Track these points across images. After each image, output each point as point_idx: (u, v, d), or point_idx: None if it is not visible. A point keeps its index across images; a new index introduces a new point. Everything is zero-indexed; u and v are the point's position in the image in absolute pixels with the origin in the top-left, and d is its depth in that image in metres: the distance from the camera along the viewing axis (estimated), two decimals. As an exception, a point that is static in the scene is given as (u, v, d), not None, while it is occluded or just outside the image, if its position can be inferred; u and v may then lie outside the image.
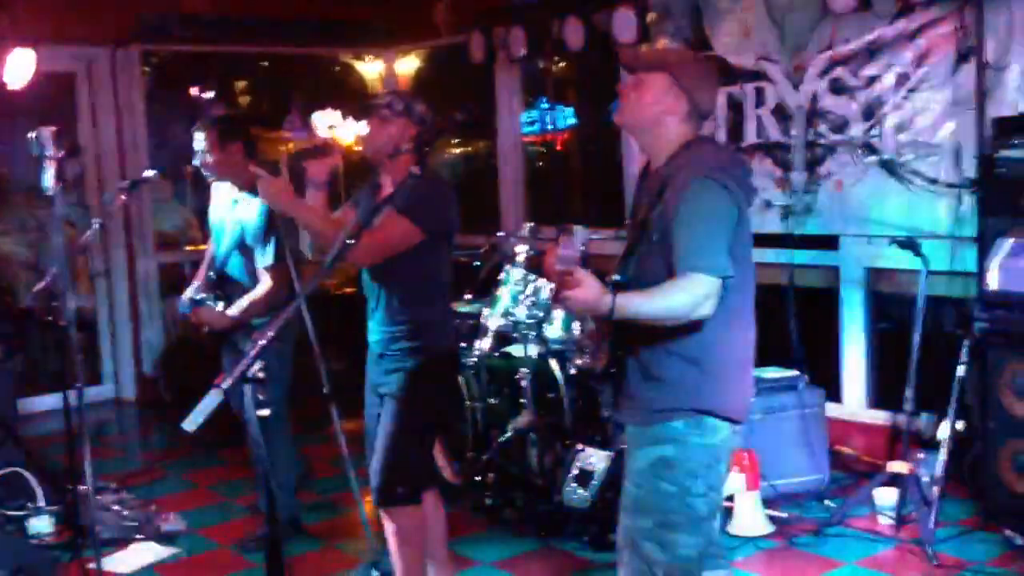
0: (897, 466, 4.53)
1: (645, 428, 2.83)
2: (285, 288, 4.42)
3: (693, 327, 2.67)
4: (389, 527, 3.72)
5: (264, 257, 4.47)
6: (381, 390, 3.69)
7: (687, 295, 2.60)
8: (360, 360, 3.83)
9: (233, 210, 4.60)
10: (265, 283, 4.50)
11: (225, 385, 2.27)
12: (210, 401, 2.23)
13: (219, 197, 4.74)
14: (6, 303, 6.33)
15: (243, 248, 4.54)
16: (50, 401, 6.28)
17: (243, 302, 4.52)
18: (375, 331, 3.68)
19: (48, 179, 4.33)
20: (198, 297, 4.57)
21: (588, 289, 2.52)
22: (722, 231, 2.66)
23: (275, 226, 4.36)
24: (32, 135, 4.28)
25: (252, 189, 4.29)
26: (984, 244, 4.54)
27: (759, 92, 5.76)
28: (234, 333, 4.64)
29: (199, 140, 4.58)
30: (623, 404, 2.90)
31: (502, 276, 5.05)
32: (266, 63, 8.88)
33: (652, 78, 2.79)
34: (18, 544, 4.66)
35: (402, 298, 3.58)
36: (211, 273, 4.69)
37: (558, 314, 5.03)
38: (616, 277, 2.73)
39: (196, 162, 4.65)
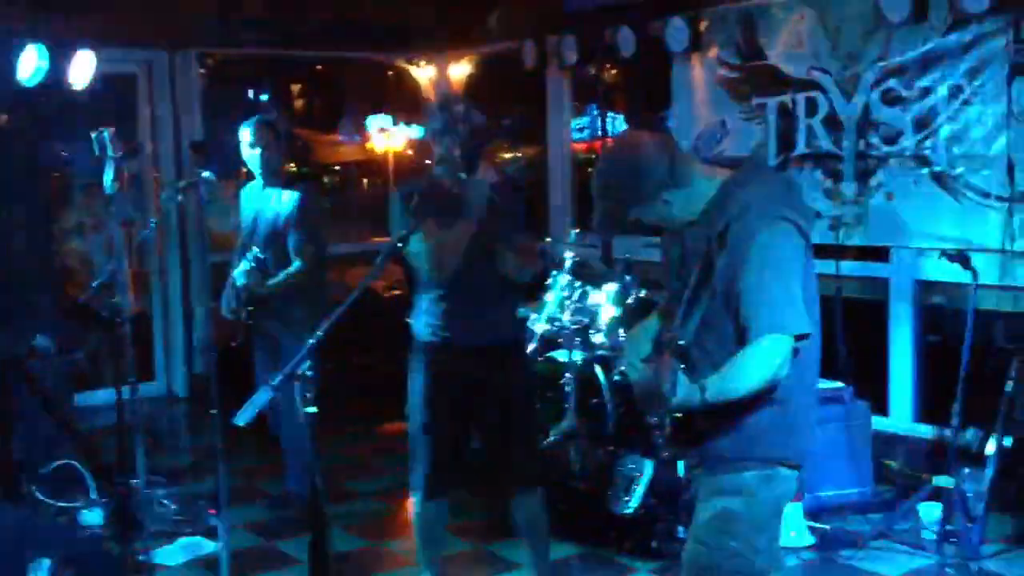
0: (943, 481, 4.49)
1: (712, 478, 2.68)
2: (316, 270, 4.89)
3: None
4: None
5: (298, 241, 4.85)
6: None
7: (768, 365, 2.45)
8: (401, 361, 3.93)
9: (271, 203, 4.95)
10: (298, 262, 4.87)
11: (275, 383, 2.32)
12: (260, 397, 2.29)
13: (251, 194, 5.09)
14: (65, 300, 6.47)
15: (282, 236, 4.87)
16: (104, 396, 6.41)
17: (280, 276, 4.86)
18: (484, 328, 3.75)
19: (109, 179, 4.45)
20: (254, 263, 4.73)
21: (683, 390, 2.40)
22: (796, 278, 2.50)
23: (309, 216, 4.85)
24: (94, 135, 4.39)
25: (287, 184, 4.90)
26: (1035, 259, 4.50)
27: (811, 102, 5.74)
28: (270, 328, 4.92)
29: (246, 136, 4.91)
30: (689, 449, 2.75)
31: (549, 281, 5.10)
32: (320, 67, 9.00)
33: (638, 213, 2.64)
34: (69, 534, 4.76)
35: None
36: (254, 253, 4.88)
37: (604, 320, 5.06)
38: (680, 342, 2.49)
39: (245, 157, 4.97)
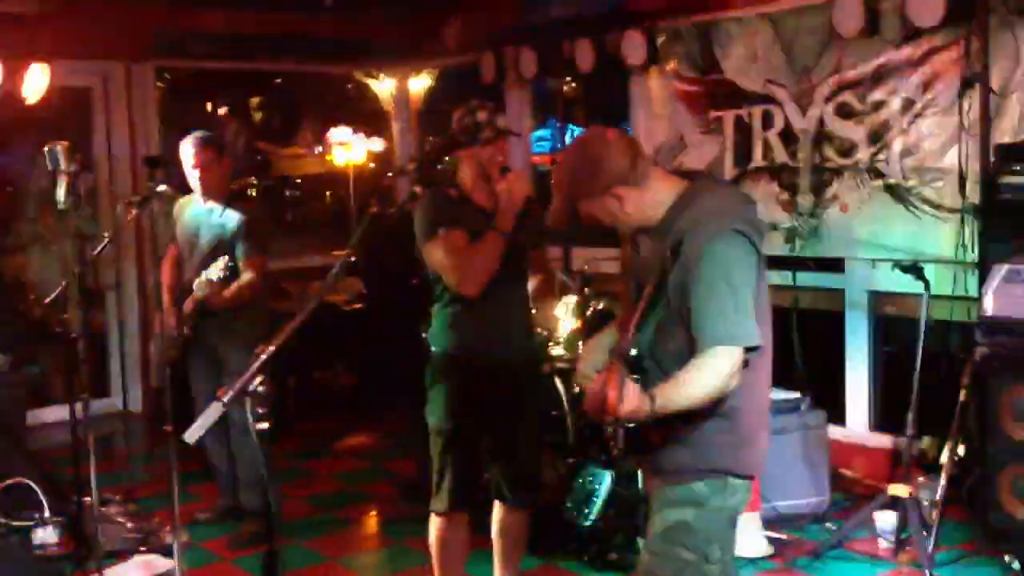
0: (898, 489, 4.53)
1: (664, 488, 2.70)
2: (262, 280, 4.89)
3: None
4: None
5: (249, 253, 4.85)
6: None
7: (716, 376, 2.46)
8: (369, 375, 3.92)
9: (210, 218, 4.95)
10: (248, 273, 4.84)
11: (227, 399, 2.30)
12: (211, 414, 2.27)
13: (188, 210, 5.07)
14: (18, 315, 6.38)
15: (224, 250, 4.82)
16: (58, 412, 6.33)
17: (233, 287, 4.80)
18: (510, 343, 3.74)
19: (61, 193, 4.40)
20: (219, 275, 4.69)
21: (632, 400, 2.42)
22: (746, 291, 2.51)
23: (258, 228, 4.89)
24: (47, 150, 4.34)
25: (228, 203, 4.91)
26: (985, 269, 4.56)
27: (767, 115, 5.80)
28: (210, 341, 4.91)
29: (189, 155, 4.89)
30: (642, 460, 2.80)
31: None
32: (279, 80, 8.96)
33: (590, 206, 2.65)
34: (21, 554, 4.69)
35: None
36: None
37: (563, 332, 5.06)
38: (632, 352, 2.52)
39: (192, 175, 4.94)
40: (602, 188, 2.60)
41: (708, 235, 2.51)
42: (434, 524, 3.85)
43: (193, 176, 4.92)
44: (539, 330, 4.59)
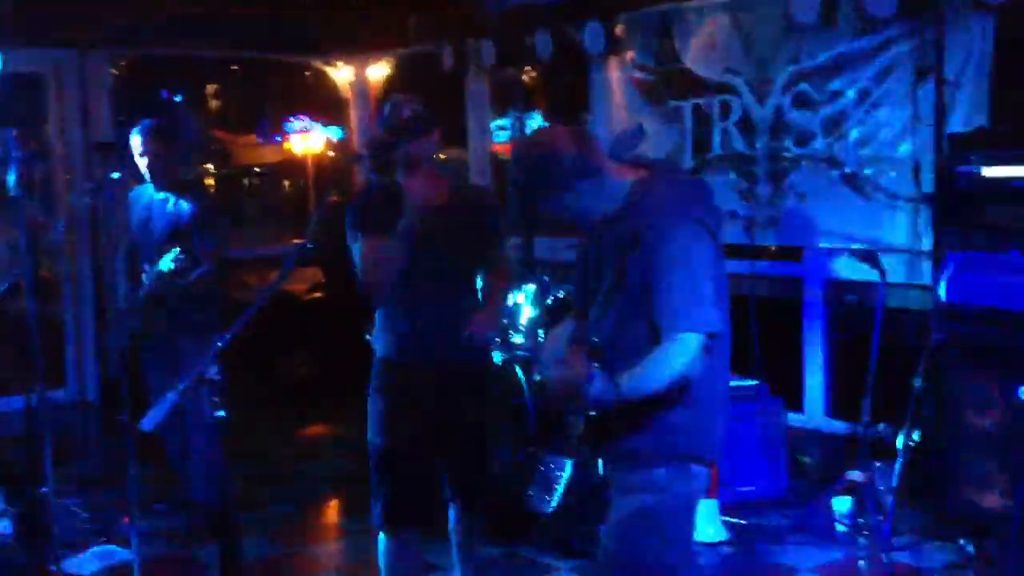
0: (855, 475, 4.59)
1: (625, 475, 2.71)
2: (217, 269, 4.84)
3: None
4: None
5: (204, 242, 4.79)
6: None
7: (680, 361, 2.49)
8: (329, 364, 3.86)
9: (164, 208, 4.91)
10: (207, 264, 4.79)
11: (182, 387, 2.28)
12: (166, 402, 2.25)
13: (143, 197, 5.02)
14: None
15: (178, 240, 4.76)
16: (13, 402, 6.24)
17: (192, 276, 4.75)
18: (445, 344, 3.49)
19: (12, 180, 4.33)
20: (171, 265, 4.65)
21: (597, 387, 2.43)
22: (706, 278, 2.54)
23: (211, 217, 4.86)
24: (-4, 136, 4.28)
25: (181, 191, 4.88)
26: (939, 257, 4.62)
27: (725, 105, 5.83)
28: (163, 329, 4.87)
29: (136, 143, 4.85)
30: (603, 447, 2.80)
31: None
32: (237, 68, 8.88)
33: (548, 201, 2.64)
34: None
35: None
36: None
37: (523, 321, 5.07)
38: (594, 339, 2.54)
39: (141, 164, 4.90)
40: (557, 184, 2.61)
41: (668, 224, 2.53)
42: (380, 540, 3.65)
43: (142, 164, 4.88)
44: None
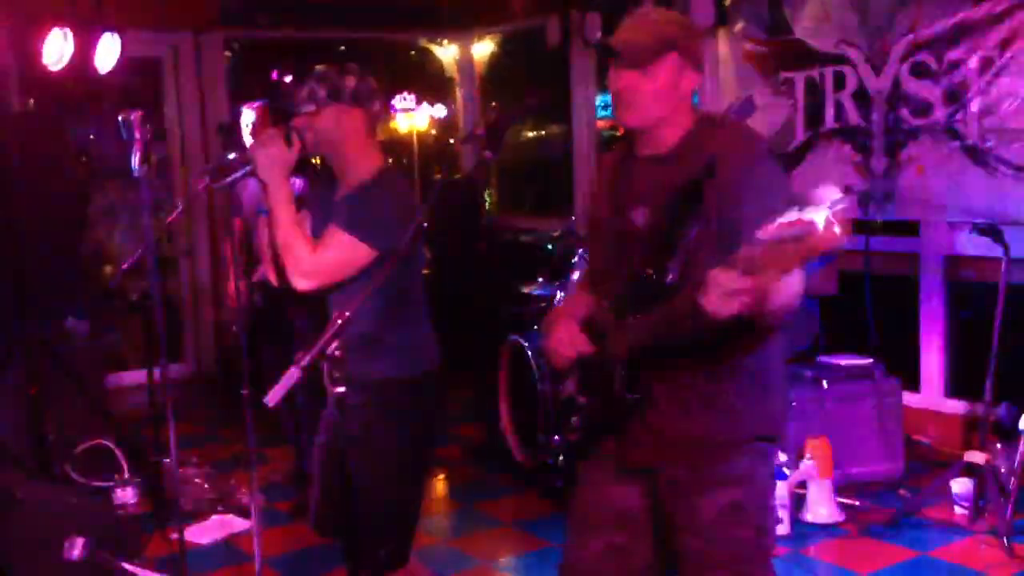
0: (975, 456, 4.46)
1: (700, 472, 2.46)
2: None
3: None
4: None
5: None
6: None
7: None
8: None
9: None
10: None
11: (304, 363, 2.32)
12: (290, 377, 2.29)
13: (252, 181, 4.95)
14: (95, 284, 6.54)
15: None
16: (135, 377, 6.47)
17: None
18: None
19: (136, 162, 4.46)
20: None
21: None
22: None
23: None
24: (120, 119, 4.40)
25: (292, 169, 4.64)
26: (1069, 232, 4.44)
27: (839, 76, 5.68)
28: (280, 307, 4.89)
29: (248, 123, 4.90)
30: (643, 443, 2.48)
31: (575, 259, 5.09)
32: (343, 48, 8.98)
33: (661, 65, 2.41)
34: (104, 513, 4.81)
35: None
36: None
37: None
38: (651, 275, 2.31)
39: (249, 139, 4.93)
40: (692, 61, 2.46)
41: (756, 154, 2.38)
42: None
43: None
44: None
